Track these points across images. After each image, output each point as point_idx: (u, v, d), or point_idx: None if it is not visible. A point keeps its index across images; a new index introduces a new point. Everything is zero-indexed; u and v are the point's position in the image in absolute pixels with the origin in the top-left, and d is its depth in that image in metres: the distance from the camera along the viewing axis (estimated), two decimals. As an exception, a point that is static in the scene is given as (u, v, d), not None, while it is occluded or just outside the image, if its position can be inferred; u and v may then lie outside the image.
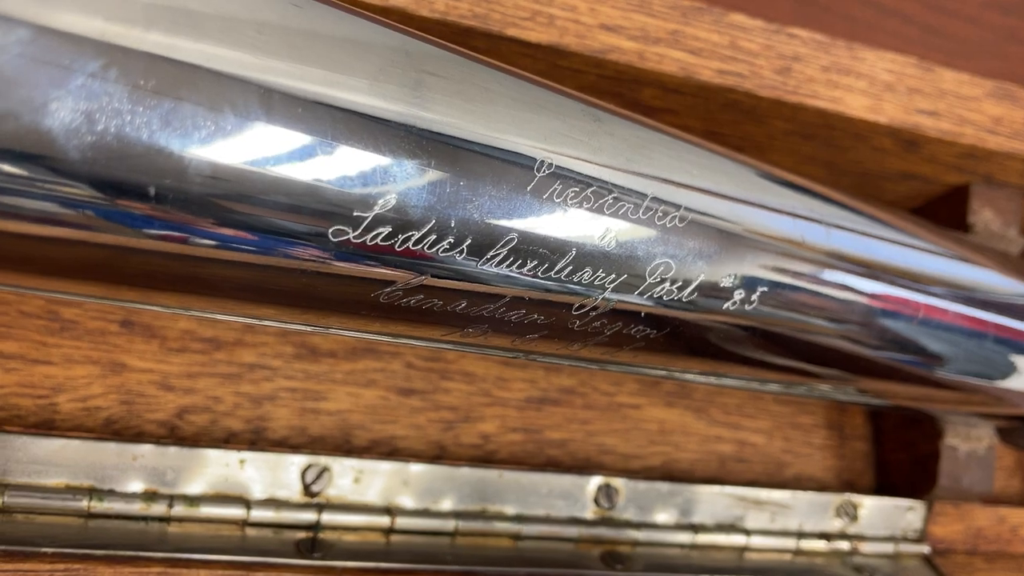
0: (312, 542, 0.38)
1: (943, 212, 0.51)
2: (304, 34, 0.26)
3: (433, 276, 0.28)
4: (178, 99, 0.23)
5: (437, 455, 0.44)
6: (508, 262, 0.29)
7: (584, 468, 0.46)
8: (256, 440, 0.41)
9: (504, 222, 0.28)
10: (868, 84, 0.43)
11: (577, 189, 0.30)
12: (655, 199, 0.31)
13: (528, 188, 0.29)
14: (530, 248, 0.29)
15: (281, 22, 0.25)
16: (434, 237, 0.27)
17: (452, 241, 0.27)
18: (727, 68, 0.40)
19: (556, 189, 0.29)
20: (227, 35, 0.24)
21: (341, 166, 0.25)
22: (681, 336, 0.34)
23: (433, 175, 0.27)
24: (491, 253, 0.28)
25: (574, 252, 0.30)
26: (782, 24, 0.42)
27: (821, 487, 0.51)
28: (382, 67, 0.27)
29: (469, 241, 0.28)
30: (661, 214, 0.31)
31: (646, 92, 0.41)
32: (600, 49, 0.38)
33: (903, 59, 0.44)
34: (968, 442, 0.49)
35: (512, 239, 0.28)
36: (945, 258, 0.40)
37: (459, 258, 0.28)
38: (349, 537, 0.39)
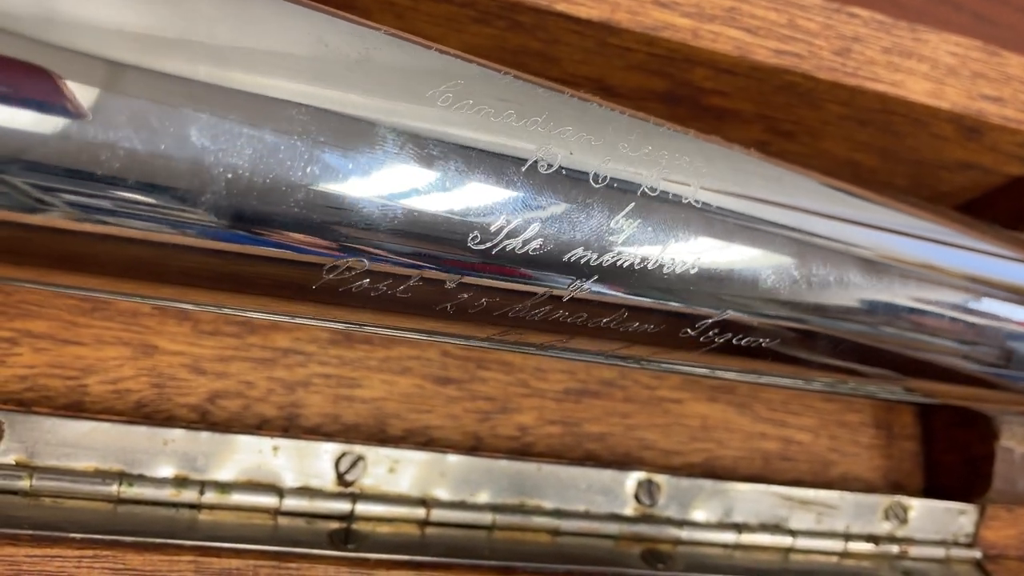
0: (345, 533, 0.37)
1: (1002, 204, 0.49)
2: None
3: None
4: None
5: (473, 446, 0.43)
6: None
7: (624, 463, 0.45)
8: (289, 427, 0.40)
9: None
10: (931, 67, 0.41)
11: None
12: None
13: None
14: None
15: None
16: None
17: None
18: (784, 48, 0.39)
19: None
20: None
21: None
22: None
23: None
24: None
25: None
26: (841, 3, 0.40)
27: (868, 488, 0.49)
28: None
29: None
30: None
31: (698, 72, 0.40)
32: (653, 26, 0.37)
33: (968, 42, 0.42)
34: (1024, 444, 0.47)
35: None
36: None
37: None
38: (383, 528, 0.38)
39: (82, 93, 0.22)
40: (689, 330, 0.32)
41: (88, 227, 0.23)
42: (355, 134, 0.25)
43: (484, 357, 0.43)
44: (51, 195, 0.22)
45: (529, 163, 0.28)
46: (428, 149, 0.26)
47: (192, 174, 0.23)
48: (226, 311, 0.30)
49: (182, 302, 0.29)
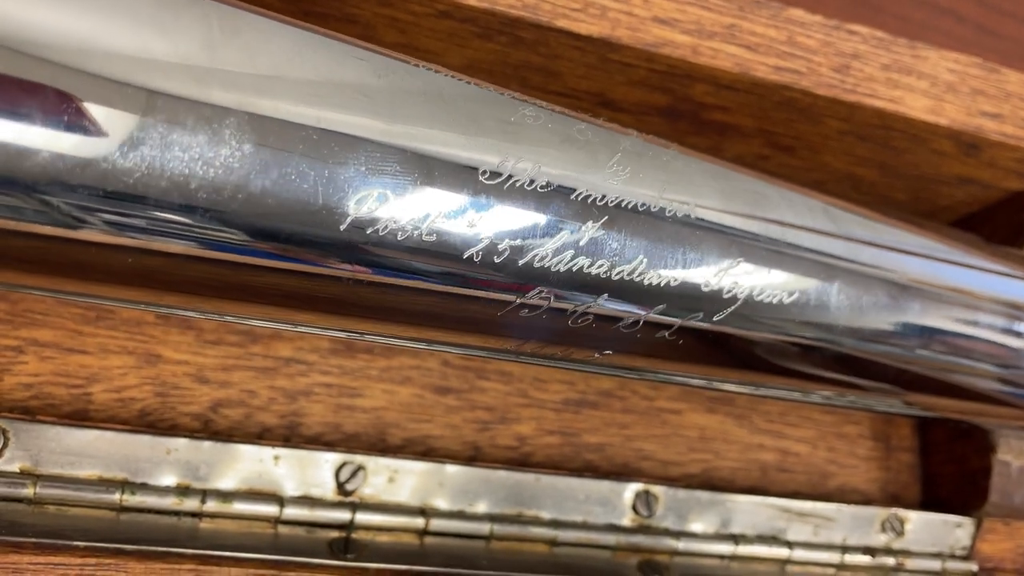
0: (345, 542, 0.37)
1: (1001, 218, 0.49)
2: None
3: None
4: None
5: (472, 456, 0.43)
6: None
7: (622, 474, 0.45)
8: (290, 436, 0.40)
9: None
10: (930, 84, 0.41)
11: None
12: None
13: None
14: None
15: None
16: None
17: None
18: (784, 65, 0.39)
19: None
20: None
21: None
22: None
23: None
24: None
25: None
26: (841, 20, 0.40)
27: (866, 500, 0.49)
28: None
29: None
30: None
31: (698, 88, 0.40)
32: (653, 43, 0.37)
33: (967, 59, 0.42)
34: (1021, 457, 0.47)
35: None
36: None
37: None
38: (383, 538, 0.38)
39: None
40: (711, 280, 0.32)
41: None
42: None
43: (484, 367, 0.44)
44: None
45: (518, 114, 0.30)
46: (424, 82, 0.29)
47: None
48: (228, 319, 0.31)
49: (187, 310, 0.29)
